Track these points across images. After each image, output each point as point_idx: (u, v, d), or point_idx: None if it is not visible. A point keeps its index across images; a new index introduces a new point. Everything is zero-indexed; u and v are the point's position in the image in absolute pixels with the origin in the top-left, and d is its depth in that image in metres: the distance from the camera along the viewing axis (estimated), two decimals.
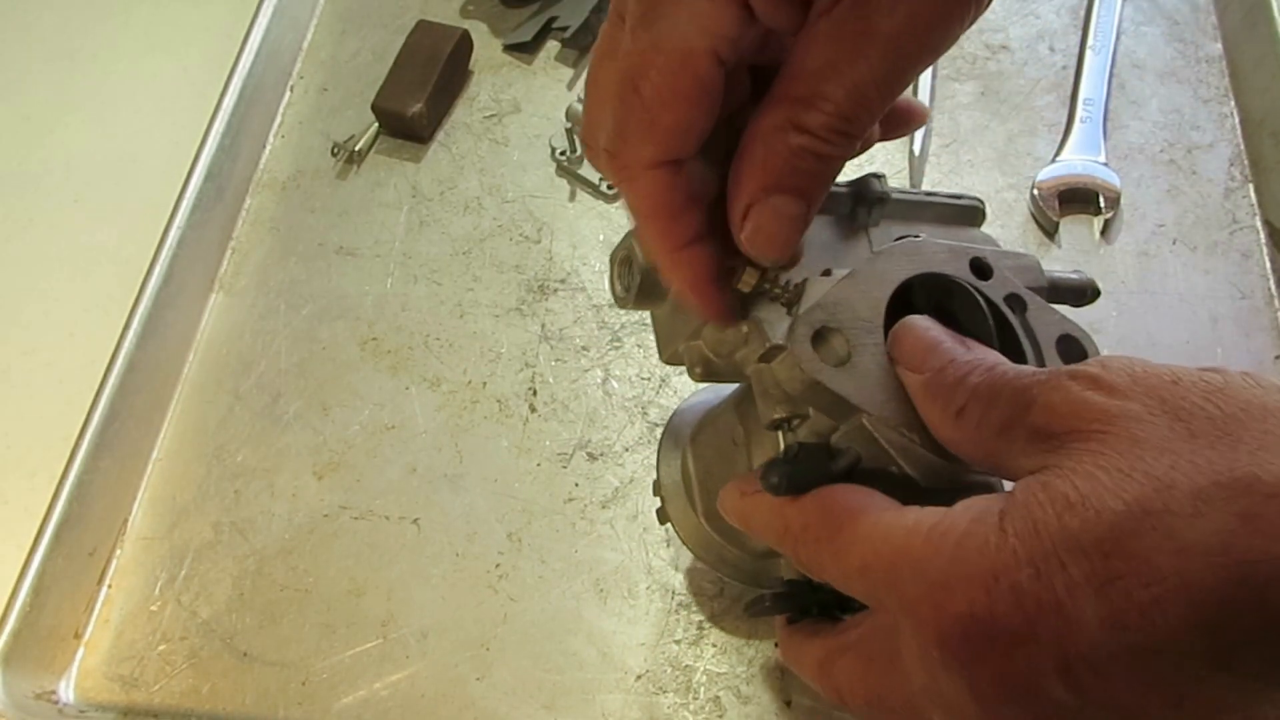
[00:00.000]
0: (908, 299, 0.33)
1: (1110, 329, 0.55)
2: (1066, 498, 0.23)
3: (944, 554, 0.25)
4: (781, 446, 0.33)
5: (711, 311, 0.32)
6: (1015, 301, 0.33)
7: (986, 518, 0.25)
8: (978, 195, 0.39)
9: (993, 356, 0.29)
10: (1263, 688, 0.21)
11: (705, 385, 0.47)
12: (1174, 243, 0.58)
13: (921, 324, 0.30)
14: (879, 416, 0.29)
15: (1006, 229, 0.59)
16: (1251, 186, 0.60)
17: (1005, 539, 0.24)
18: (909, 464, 0.29)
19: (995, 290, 0.33)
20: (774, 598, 0.36)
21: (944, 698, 0.26)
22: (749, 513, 0.32)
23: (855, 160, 0.35)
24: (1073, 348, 0.33)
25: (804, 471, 0.30)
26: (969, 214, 0.39)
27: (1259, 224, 0.59)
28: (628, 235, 0.37)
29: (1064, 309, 0.35)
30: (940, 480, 0.30)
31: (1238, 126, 0.63)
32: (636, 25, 0.27)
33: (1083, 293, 0.38)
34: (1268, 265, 0.57)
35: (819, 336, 0.30)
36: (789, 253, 0.30)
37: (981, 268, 0.33)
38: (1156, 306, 0.56)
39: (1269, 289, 0.57)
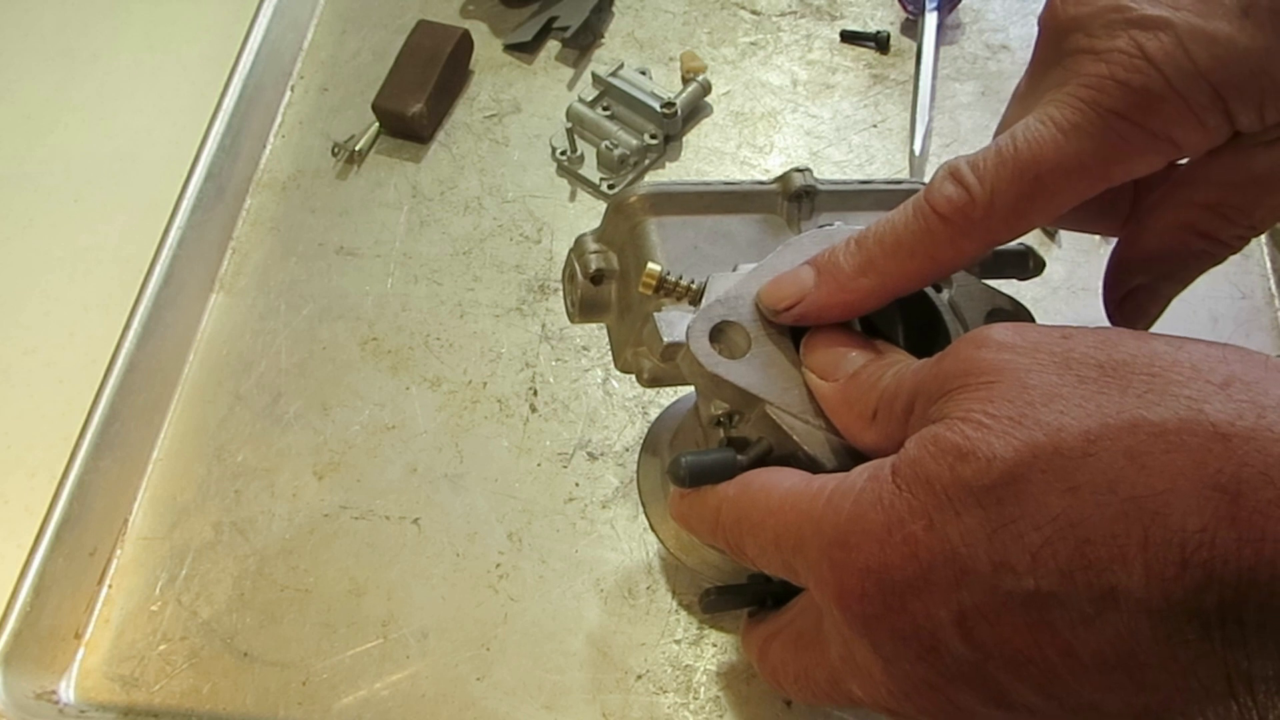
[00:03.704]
0: None
1: None
2: (958, 448, 0.23)
3: (842, 512, 0.25)
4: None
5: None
6: (941, 280, 0.33)
7: (880, 474, 0.25)
8: (922, 181, 0.39)
9: (903, 359, 0.29)
10: (1149, 626, 0.21)
11: (689, 392, 0.47)
12: None
13: (832, 331, 0.31)
14: (780, 404, 0.30)
15: None
16: None
17: (899, 493, 0.24)
18: (814, 448, 0.30)
19: None
20: (719, 590, 0.37)
21: (856, 663, 0.27)
22: (687, 513, 0.32)
23: (838, 158, 0.35)
24: (1004, 319, 0.34)
25: (707, 461, 0.31)
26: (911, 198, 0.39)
27: None
28: (569, 253, 0.38)
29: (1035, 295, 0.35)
30: (846, 461, 0.30)
31: None
32: None
33: (1024, 263, 0.37)
34: (1268, 265, 0.57)
35: (718, 331, 0.31)
36: (1150, 326, 0.34)
37: None
38: None
39: (1269, 289, 0.57)
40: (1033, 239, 0.59)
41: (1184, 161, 0.32)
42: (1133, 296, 0.34)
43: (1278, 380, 0.22)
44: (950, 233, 0.29)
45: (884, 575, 0.24)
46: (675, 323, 0.32)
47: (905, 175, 0.61)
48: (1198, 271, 0.33)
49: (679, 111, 0.61)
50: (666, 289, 0.32)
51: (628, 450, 0.52)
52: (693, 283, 0.32)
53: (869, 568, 0.24)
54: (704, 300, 0.32)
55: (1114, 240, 0.35)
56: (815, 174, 0.37)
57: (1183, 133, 0.28)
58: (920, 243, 0.29)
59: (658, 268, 0.32)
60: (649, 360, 0.36)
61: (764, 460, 0.30)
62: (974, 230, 0.28)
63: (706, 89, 0.64)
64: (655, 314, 0.33)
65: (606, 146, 0.60)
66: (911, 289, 0.30)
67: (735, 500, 0.30)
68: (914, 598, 0.24)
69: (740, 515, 0.29)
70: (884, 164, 0.61)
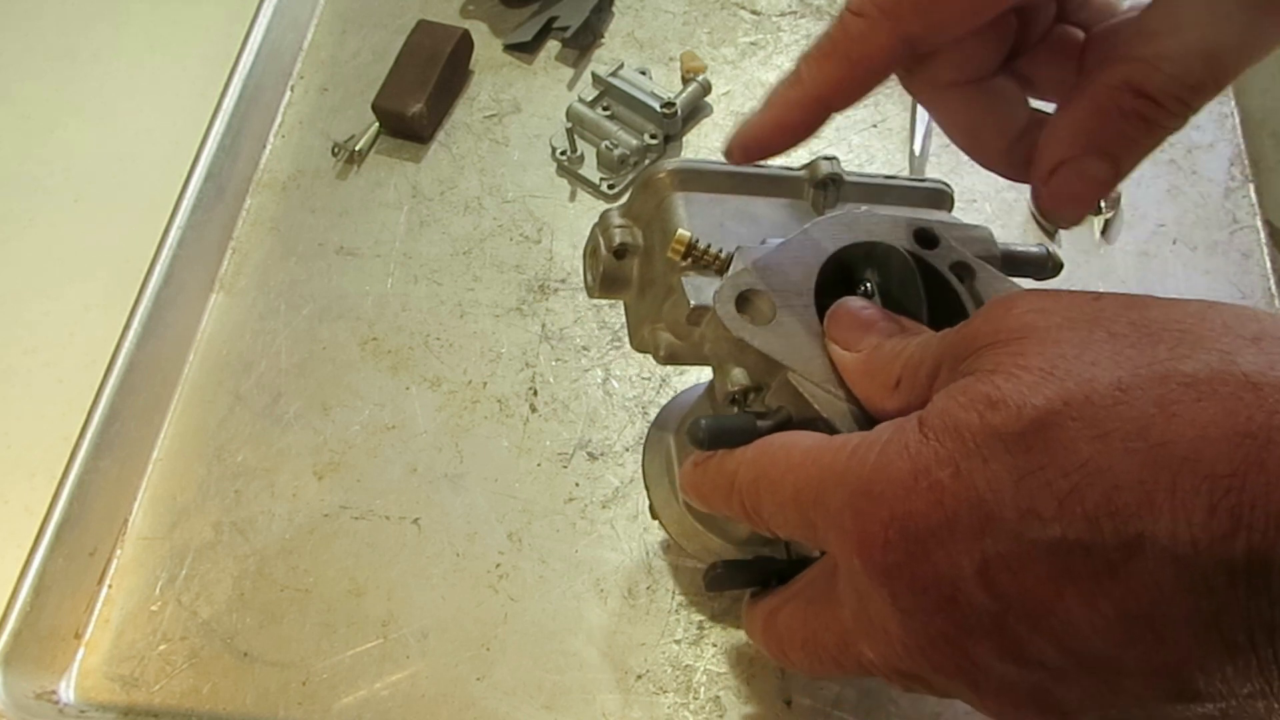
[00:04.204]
0: (851, 272, 0.34)
1: None
2: (988, 397, 0.23)
3: (867, 463, 0.25)
4: None
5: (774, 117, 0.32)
6: (962, 269, 0.34)
7: (906, 425, 0.25)
8: (944, 180, 0.39)
9: (927, 333, 0.29)
10: (1174, 574, 0.21)
11: (696, 382, 0.48)
12: (1174, 242, 0.58)
13: (856, 304, 0.31)
14: (803, 372, 0.30)
15: (1007, 229, 0.59)
16: (1252, 186, 0.60)
17: (926, 442, 0.24)
18: (835, 418, 0.30)
19: (941, 259, 0.33)
20: (725, 564, 0.37)
21: (871, 622, 0.26)
22: (700, 481, 0.32)
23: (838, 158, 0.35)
24: None
25: (727, 422, 0.31)
26: (935, 197, 0.39)
27: (1259, 224, 0.59)
28: (594, 228, 0.38)
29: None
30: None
31: (1238, 126, 0.63)
32: None
33: (1042, 264, 0.38)
34: (1268, 265, 0.57)
35: (744, 299, 0.31)
36: (1083, 217, 0.31)
37: (927, 237, 0.34)
38: None
39: (1269, 289, 0.57)
40: (1033, 238, 0.59)
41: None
42: (1060, 177, 0.30)
43: None
44: (861, 27, 0.29)
45: (908, 523, 0.24)
46: (703, 288, 0.33)
47: (904, 175, 0.61)
48: (1130, 145, 0.29)
49: (679, 111, 0.61)
50: (695, 255, 0.33)
51: (628, 450, 0.52)
52: (720, 251, 0.33)
53: (893, 516, 0.24)
54: (731, 270, 0.32)
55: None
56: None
57: None
58: (835, 44, 0.29)
59: (688, 234, 0.32)
60: (666, 335, 0.36)
61: (783, 428, 0.31)
62: (884, 22, 0.28)
63: (706, 89, 0.64)
64: (683, 278, 0.33)
65: (606, 146, 0.60)
66: (837, 98, 0.30)
67: (754, 460, 0.30)
68: (937, 546, 0.23)
69: (759, 474, 0.29)
70: (884, 164, 0.61)
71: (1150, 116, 0.28)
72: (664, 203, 0.36)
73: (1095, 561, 0.21)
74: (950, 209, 0.39)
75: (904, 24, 0.28)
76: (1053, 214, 0.30)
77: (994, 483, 0.23)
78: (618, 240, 0.37)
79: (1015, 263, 0.37)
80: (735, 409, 0.32)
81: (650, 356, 0.38)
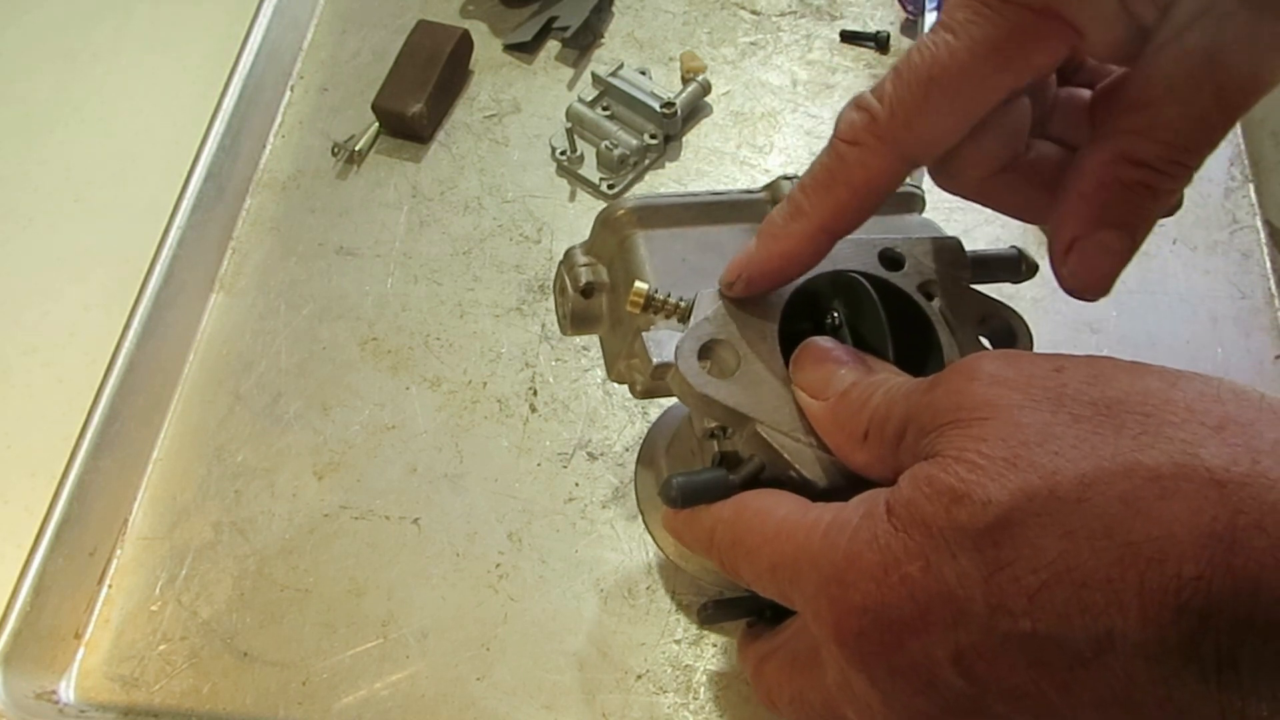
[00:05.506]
0: (818, 300, 0.33)
1: (1110, 329, 0.55)
2: (953, 490, 0.23)
3: (839, 549, 0.26)
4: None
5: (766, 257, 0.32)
6: (932, 288, 0.33)
7: (875, 511, 0.25)
8: (918, 185, 0.39)
9: (894, 377, 0.29)
10: (1145, 668, 0.21)
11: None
12: (1174, 243, 0.58)
13: (821, 347, 0.31)
14: (771, 423, 0.30)
15: (1006, 229, 0.59)
16: (1252, 186, 0.60)
17: (895, 534, 0.24)
18: (805, 467, 0.30)
19: (908, 280, 0.33)
20: (716, 604, 0.37)
21: (853, 692, 0.27)
22: (679, 530, 0.32)
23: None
24: (996, 325, 0.33)
25: (699, 482, 0.31)
26: (905, 201, 0.38)
27: (1259, 224, 0.59)
28: (559, 266, 0.38)
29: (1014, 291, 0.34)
30: (838, 479, 0.30)
31: (1238, 126, 0.63)
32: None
33: (1015, 266, 0.37)
34: (1268, 265, 0.57)
35: (707, 349, 0.31)
36: (1110, 289, 0.30)
37: (892, 259, 0.34)
38: (1156, 306, 0.56)
39: (1269, 289, 0.57)
40: (1031, 239, 0.59)
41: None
42: (1076, 255, 0.30)
43: (1271, 422, 0.22)
44: (859, 154, 0.29)
45: (881, 614, 0.24)
46: (664, 342, 0.32)
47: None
48: (1140, 214, 0.29)
49: (679, 111, 0.61)
50: (655, 307, 0.32)
51: (627, 450, 0.52)
52: (681, 300, 0.32)
53: (866, 606, 0.24)
54: (692, 318, 0.32)
55: None
56: None
57: (1077, 10, 0.27)
58: (834, 173, 0.29)
59: (645, 286, 0.32)
60: (640, 374, 0.36)
61: (756, 478, 0.30)
62: (880, 146, 0.28)
63: (706, 89, 0.64)
64: (644, 334, 0.33)
65: (606, 146, 0.60)
66: (842, 225, 0.30)
67: (730, 523, 0.30)
68: (911, 636, 0.24)
69: (735, 539, 0.29)
70: None
71: (1152, 184, 0.28)
72: (624, 242, 0.35)
73: (1067, 654, 0.22)
74: (921, 211, 0.39)
75: (900, 145, 0.29)
76: (1077, 291, 0.30)
77: (963, 578, 0.23)
78: (583, 280, 0.36)
79: (989, 267, 0.36)
80: (714, 444, 0.32)
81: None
